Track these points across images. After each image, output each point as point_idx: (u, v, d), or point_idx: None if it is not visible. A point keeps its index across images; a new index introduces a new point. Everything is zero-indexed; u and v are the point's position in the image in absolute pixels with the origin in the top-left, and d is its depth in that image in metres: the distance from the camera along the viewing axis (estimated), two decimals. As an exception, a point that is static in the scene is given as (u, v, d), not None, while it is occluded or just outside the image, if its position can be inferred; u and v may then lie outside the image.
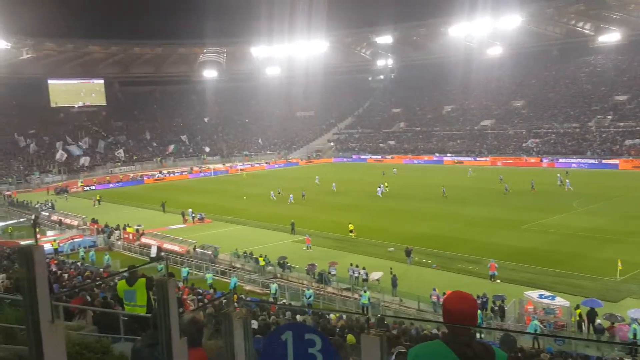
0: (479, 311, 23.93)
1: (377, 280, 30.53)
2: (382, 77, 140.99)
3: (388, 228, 43.75)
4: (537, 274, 30.93)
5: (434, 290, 27.25)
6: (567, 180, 59.05)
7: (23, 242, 37.91)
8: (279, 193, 62.58)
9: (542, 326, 23.43)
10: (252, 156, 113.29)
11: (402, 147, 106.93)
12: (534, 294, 26.06)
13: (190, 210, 52.63)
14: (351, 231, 42.09)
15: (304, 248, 39.03)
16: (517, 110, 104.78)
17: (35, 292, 2.08)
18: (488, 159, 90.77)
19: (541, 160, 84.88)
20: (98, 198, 66.34)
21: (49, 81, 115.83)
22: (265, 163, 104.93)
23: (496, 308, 25.62)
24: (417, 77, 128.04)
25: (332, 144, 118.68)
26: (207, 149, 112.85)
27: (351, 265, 32.21)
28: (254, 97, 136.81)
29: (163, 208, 57.83)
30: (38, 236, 43.61)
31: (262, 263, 34.78)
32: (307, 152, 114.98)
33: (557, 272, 30.79)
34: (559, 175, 64.54)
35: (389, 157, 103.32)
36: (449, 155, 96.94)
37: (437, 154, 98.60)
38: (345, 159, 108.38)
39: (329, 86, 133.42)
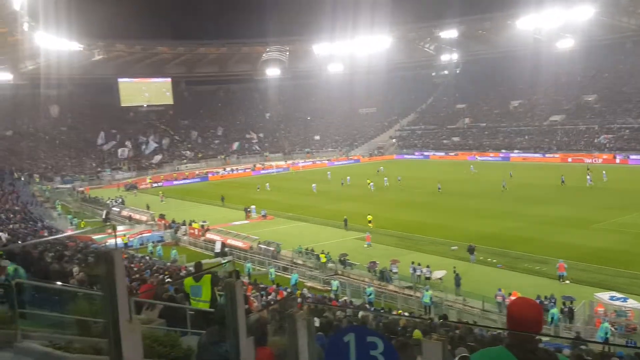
0: (555, 310, 23.38)
1: (440, 279, 30.16)
2: (446, 72, 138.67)
3: (451, 226, 43.14)
4: (609, 275, 29.75)
5: (499, 290, 26.67)
6: (587, 177, 59.11)
7: (96, 237, 39.74)
8: (370, 182, 64.34)
9: (612, 329, 22.53)
10: (314, 153, 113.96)
11: (467, 144, 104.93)
12: (604, 295, 25.10)
13: (253, 207, 53.56)
14: (370, 222, 43.48)
15: (365, 245, 39.01)
16: (588, 104, 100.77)
17: (115, 292, 2.23)
18: (557, 155, 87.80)
19: (614, 157, 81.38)
20: (160, 193, 68.60)
21: (120, 81, 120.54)
22: (327, 160, 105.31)
23: (565, 309, 24.83)
24: (483, 71, 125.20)
25: (394, 140, 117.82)
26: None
27: (413, 263, 31.95)
28: (315, 94, 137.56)
29: (222, 202, 60.00)
30: (109, 230, 45.46)
31: (323, 260, 35.01)
32: (369, 149, 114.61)
33: (631, 274, 29.50)
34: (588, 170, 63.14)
35: (453, 153, 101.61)
36: (516, 151, 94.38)
37: (503, 151, 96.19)
38: (407, 156, 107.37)
39: (392, 82, 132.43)
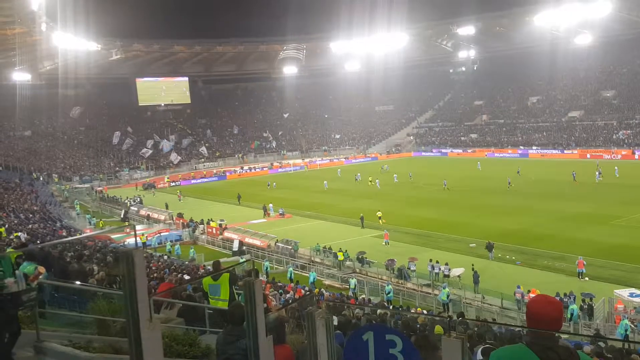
0: (574, 306, 23.16)
1: (459, 276, 30.03)
2: (463, 69, 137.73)
3: (469, 223, 43.00)
4: (629, 271, 29.40)
5: (518, 287, 26.49)
6: (596, 172, 59.59)
7: (114, 236, 40.15)
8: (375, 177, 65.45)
9: (632, 325, 22.25)
10: (331, 151, 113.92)
11: (485, 140, 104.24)
12: (624, 292, 24.81)
13: (270, 205, 53.76)
14: (380, 218, 44.48)
15: (383, 243, 38.97)
16: (607, 100, 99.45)
17: (135, 292, 2.25)
18: (576, 151, 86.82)
19: (633, 152, 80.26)
20: (178, 193, 69.35)
21: (137, 80, 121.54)
22: (344, 158, 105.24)
23: (585, 306, 24.58)
24: (500, 68, 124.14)
25: (411, 138, 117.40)
26: (274, 143, 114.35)
27: (431, 261, 31.84)
28: (332, 92, 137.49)
29: (239, 200, 60.52)
30: (127, 230, 45.91)
31: (341, 258, 35.02)
32: (386, 147, 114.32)
33: (652, 272, 29.13)
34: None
35: (470, 150, 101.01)
36: (534, 148, 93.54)
37: (522, 147, 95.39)
38: (425, 153, 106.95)
39: (409, 80, 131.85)
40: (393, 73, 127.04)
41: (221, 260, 36.47)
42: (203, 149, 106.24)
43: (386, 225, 43.28)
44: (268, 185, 73.01)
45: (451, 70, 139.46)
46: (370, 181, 67.87)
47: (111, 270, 13.60)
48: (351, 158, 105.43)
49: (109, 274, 12.77)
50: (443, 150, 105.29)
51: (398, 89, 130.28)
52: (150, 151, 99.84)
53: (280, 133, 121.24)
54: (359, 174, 73.81)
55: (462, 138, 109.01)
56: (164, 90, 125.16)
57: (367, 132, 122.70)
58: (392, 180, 68.94)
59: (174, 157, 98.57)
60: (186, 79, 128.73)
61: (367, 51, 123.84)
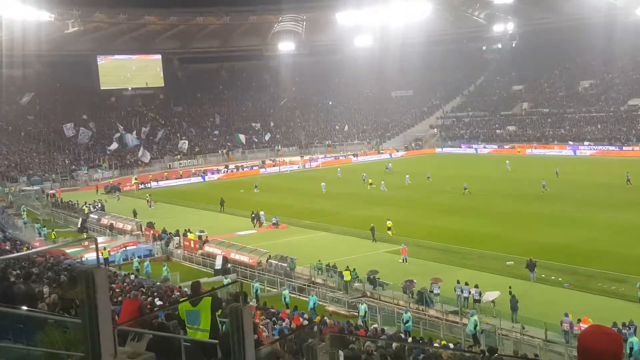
0: (635, 338, 23.10)
1: (493, 302, 29.99)
2: (499, 45, 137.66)
3: (505, 236, 43.08)
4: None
5: (566, 316, 26.44)
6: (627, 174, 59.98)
7: (70, 251, 40.15)
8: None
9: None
10: (336, 147, 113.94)
11: (525, 134, 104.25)
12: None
13: (262, 213, 53.75)
14: (389, 228, 44.91)
15: (400, 260, 38.95)
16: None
17: (96, 321, 2.25)
18: (638, 147, 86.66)
19: None
20: (147, 197, 69.28)
21: (99, 59, 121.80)
22: (352, 155, 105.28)
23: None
24: (545, 45, 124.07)
25: (435, 130, 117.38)
26: (268, 136, 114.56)
27: (459, 282, 31.80)
28: (338, 74, 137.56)
29: (222, 206, 60.63)
30: (86, 243, 45.95)
31: (348, 278, 35.00)
32: (405, 142, 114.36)
33: None
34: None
35: (508, 146, 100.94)
36: (586, 143, 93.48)
37: (570, 142, 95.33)
38: (451, 150, 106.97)
39: (433, 59, 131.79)
40: (413, 50, 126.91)
41: (201, 280, 36.43)
42: (184, 144, 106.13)
43: (397, 237, 43.37)
44: (255, 186, 73.72)
45: (484, 48, 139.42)
46: (370, 184, 68.60)
47: (66, 293, 13.56)
48: (361, 155, 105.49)
49: (63, 298, 12.73)
50: (474, 146, 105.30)
51: (419, 71, 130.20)
52: (117, 145, 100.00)
53: (272, 124, 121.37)
54: (364, 174, 74.04)
55: (498, 131, 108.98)
56: (131, 71, 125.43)
57: (381, 123, 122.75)
58: (402, 181, 69.26)
59: (143, 154, 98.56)
60: (159, 57, 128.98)
61: (381, 23, 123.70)
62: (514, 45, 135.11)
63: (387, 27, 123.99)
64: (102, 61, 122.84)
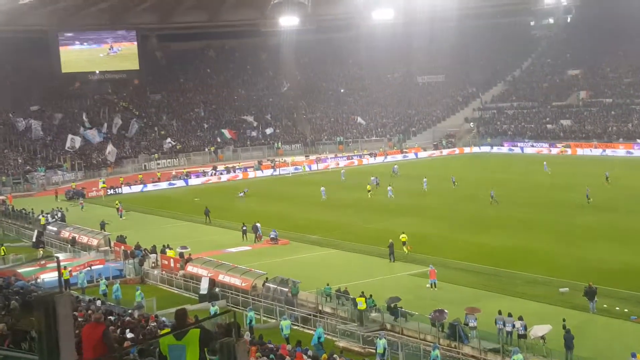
0: None
1: (542, 338, 29.77)
2: (551, 20, 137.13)
3: (559, 255, 42.80)
4: None
5: (633, 356, 26.23)
6: None
7: (22, 271, 40.12)
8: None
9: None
10: (350, 144, 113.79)
11: (583, 130, 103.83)
12: None
13: (258, 224, 53.69)
14: (404, 244, 44.94)
15: (428, 285, 38.75)
16: None
17: (57, 357, 2.15)
18: None
19: None
20: (117, 205, 69.31)
21: (60, 36, 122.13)
22: (369, 155, 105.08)
23: None
24: (608, 19, 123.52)
25: (471, 125, 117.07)
26: (269, 130, 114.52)
27: (500, 313, 31.63)
28: (353, 54, 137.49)
29: (207, 216, 60.86)
30: (42, 261, 45.90)
31: (363, 306, 34.82)
32: (433, 138, 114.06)
33: None
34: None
35: (560, 144, 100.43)
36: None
37: (639, 141, 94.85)
38: (491, 148, 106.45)
39: (468, 37, 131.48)
40: (444, 26, 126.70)
41: (188, 307, 36.50)
42: (168, 142, 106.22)
43: (423, 257, 43.25)
44: (245, 191, 74.91)
45: (532, 23, 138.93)
46: (369, 190, 69.37)
47: (18, 323, 13.52)
48: (380, 155, 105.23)
49: (14, 328, 12.69)
50: (519, 144, 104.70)
51: (452, 51, 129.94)
52: (80, 141, 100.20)
53: (271, 116, 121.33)
54: (375, 178, 74.83)
55: (549, 126, 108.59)
56: (99, 51, 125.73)
57: (405, 115, 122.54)
58: (418, 186, 69.48)
59: (109, 151, 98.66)
60: (133, 33, 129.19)
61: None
62: (569, 20, 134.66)
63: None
64: (64, 39, 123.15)
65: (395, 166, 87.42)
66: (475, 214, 57.17)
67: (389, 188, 68.19)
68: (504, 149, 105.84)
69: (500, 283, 38.86)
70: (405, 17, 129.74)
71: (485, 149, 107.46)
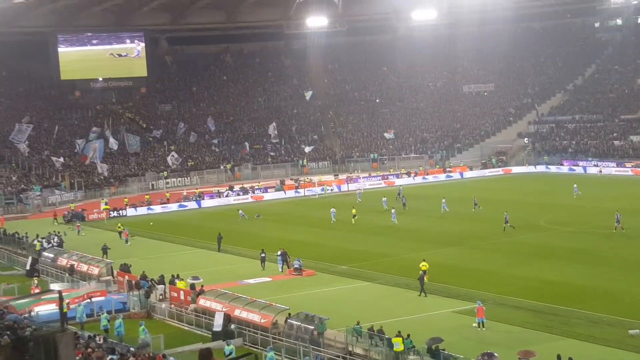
0: None
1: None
2: (618, 22, 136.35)
3: (628, 291, 42.45)
4: None
5: None
6: None
7: (16, 303, 40.33)
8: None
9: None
10: (385, 161, 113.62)
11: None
12: None
13: (279, 252, 53.61)
14: (424, 272, 45.24)
15: (474, 324, 38.47)
16: None
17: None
18: None
19: None
20: (120, 228, 69.82)
21: (60, 38, 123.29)
22: (406, 174, 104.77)
23: None
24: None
25: (526, 140, 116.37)
26: (308, 149, 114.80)
27: (559, 358, 31.35)
28: (389, 60, 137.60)
29: (219, 244, 60.83)
30: (37, 291, 46.12)
31: (400, 348, 34.65)
32: (481, 156, 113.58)
33: None
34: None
35: (631, 164, 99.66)
36: None
37: None
38: (549, 168, 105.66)
39: (522, 41, 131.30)
40: (495, 28, 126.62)
41: (196, 347, 36.63)
42: (173, 157, 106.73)
43: (459, 289, 43.43)
44: (257, 216, 76.30)
45: (597, 25, 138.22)
46: (354, 216, 70.63)
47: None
48: (421, 174, 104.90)
49: None
50: (580, 164, 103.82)
51: (503, 57, 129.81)
52: (64, 157, 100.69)
53: (295, 128, 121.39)
54: (384, 199, 76.60)
55: (616, 142, 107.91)
56: (103, 56, 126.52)
57: (449, 129, 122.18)
58: (434, 209, 70.58)
59: (102, 167, 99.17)
60: (141, 35, 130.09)
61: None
62: (639, 21, 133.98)
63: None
64: (64, 42, 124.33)
65: (399, 188, 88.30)
66: (524, 243, 56.99)
67: (392, 211, 69.65)
68: (564, 169, 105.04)
69: (557, 322, 38.49)
70: (449, 17, 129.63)
71: (541, 168, 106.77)
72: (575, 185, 79.23)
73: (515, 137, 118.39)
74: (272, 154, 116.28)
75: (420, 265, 46.44)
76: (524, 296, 42.94)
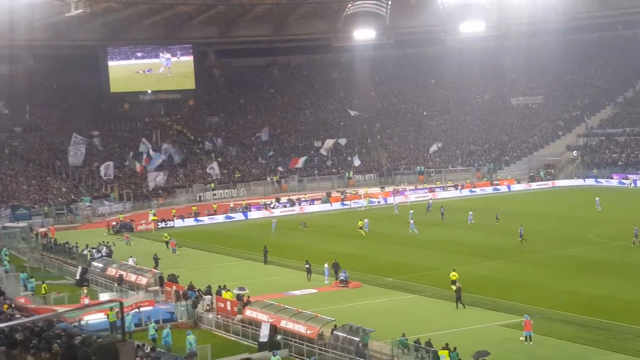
0: None
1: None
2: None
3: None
4: None
5: None
6: None
7: (62, 310, 40.87)
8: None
9: None
10: (432, 174, 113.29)
11: None
12: None
13: (326, 265, 53.77)
14: (454, 282, 46.05)
15: (521, 338, 38.22)
16: None
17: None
18: None
19: None
20: (167, 238, 70.69)
21: (110, 51, 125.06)
22: (453, 187, 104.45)
23: None
24: None
25: (575, 153, 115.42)
26: (357, 162, 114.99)
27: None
28: (436, 72, 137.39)
29: (265, 257, 60.86)
30: (86, 300, 46.69)
31: (446, 360, 34.61)
32: (529, 169, 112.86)
33: None
34: None
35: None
36: None
37: None
38: (599, 181, 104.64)
39: (571, 53, 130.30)
40: (544, 40, 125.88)
41: (242, 358, 36.82)
42: (214, 167, 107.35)
43: (506, 302, 43.27)
44: (302, 225, 78.40)
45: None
46: (360, 228, 71.80)
47: None
48: (468, 187, 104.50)
49: None
50: (631, 176, 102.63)
51: (552, 69, 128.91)
52: (112, 169, 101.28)
53: (342, 141, 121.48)
54: (442, 208, 76.88)
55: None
56: (152, 69, 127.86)
57: (497, 142, 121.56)
58: (481, 222, 70.40)
59: (154, 179, 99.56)
60: (189, 47, 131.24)
61: (497, 2, 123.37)
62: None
63: (508, 6, 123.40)
64: (114, 55, 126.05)
65: (430, 201, 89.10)
66: (569, 257, 56.73)
67: (411, 222, 71.25)
68: (614, 182, 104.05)
69: (605, 337, 38.06)
70: (498, 30, 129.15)
71: (590, 181, 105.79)
72: (597, 199, 79.51)
73: (564, 150, 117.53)
74: (329, 163, 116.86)
75: (450, 275, 46.82)
76: (572, 310, 42.55)
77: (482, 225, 72.22)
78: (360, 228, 72.33)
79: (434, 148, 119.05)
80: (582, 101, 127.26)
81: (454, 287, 45.55)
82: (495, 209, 76.12)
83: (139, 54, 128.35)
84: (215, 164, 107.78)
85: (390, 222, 76.84)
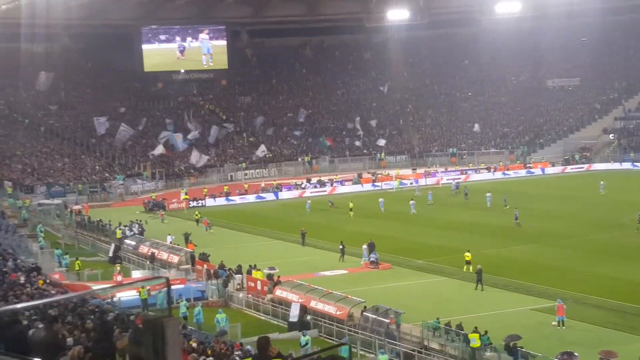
0: None
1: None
2: None
3: None
4: None
5: None
6: None
7: (96, 287, 41.24)
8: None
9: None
10: (464, 157, 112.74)
11: None
12: None
13: (365, 246, 53.69)
14: (467, 263, 47.58)
15: (554, 323, 38.10)
16: None
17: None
18: None
19: None
20: (198, 216, 71.63)
21: (143, 31, 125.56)
22: (486, 169, 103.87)
23: None
24: None
25: (612, 137, 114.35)
26: (382, 142, 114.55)
27: (641, 357, 30.93)
28: (470, 53, 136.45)
29: (302, 239, 60.78)
30: (119, 277, 47.09)
31: (476, 344, 34.49)
32: (564, 152, 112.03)
33: None
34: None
35: None
36: None
37: None
38: (636, 165, 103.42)
39: (609, 33, 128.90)
40: (582, 21, 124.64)
41: (270, 336, 36.86)
42: (262, 149, 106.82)
43: (539, 286, 43.16)
44: (330, 204, 79.39)
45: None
46: (350, 209, 72.49)
47: (97, 346, 13.50)
48: (501, 169, 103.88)
49: (95, 351, 12.75)
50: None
51: (589, 50, 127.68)
52: (162, 149, 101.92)
53: (374, 122, 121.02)
54: (489, 194, 75.56)
55: None
56: (185, 48, 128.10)
57: (532, 124, 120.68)
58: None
59: (196, 158, 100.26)
60: (222, 29, 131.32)
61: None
62: None
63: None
64: (148, 34, 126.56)
65: (456, 181, 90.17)
66: (603, 242, 56.48)
67: (411, 202, 72.02)
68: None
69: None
70: (534, 10, 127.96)
71: (627, 165, 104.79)
72: (602, 183, 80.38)
73: (600, 133, 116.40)
74: (357, 144, 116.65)
75: (465, 255, 47.42)
76: (606, 295, 42.45)
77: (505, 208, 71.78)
78: (351, 209, 72.91)
79: (477, 128, 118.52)
80: (619, 83, 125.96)
81: (466, 268, 46.21)
82: (506, 193, 76.04)
83: (173, 34, 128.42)
84: (263, 146, 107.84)
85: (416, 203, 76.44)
